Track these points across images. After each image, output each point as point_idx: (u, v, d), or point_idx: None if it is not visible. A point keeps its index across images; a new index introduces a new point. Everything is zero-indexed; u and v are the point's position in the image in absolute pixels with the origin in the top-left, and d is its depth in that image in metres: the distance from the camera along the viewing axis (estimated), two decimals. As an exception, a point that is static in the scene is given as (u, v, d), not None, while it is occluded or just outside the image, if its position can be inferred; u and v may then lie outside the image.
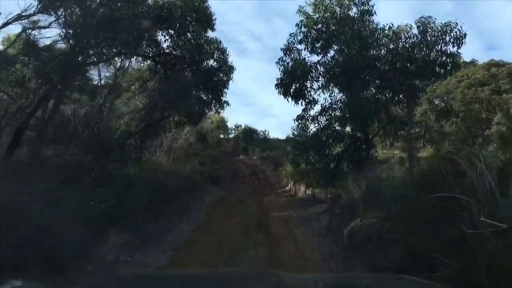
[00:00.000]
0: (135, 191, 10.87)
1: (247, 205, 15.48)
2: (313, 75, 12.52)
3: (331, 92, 12.70)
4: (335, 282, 2.50)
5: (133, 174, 12.46)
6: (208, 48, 14.35)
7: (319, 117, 12.71)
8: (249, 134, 38.87)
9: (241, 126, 41.77)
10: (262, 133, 40.33)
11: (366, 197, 8.23)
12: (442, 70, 10.26)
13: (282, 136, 40.09)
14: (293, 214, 13.33)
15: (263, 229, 11.11)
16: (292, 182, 21.59)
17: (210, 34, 14.60)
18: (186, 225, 11.71)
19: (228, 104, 15.28)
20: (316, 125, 12.76)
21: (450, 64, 10.11)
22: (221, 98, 14.96)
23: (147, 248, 8.78)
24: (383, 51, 11.20)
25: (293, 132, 21.14)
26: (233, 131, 44.54)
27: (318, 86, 12.73)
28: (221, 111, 16.42)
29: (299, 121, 12.83)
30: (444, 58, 10.13)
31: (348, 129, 12.74)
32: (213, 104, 15.10)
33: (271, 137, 40.48)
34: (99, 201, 7.64)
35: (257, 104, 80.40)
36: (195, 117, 15.16)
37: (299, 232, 10.47)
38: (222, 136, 43.91)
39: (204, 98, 14.98)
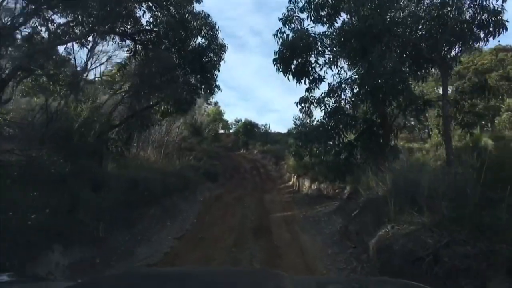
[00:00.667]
0: (105, 192, 8.73)
1: (246, 204, 13.28)
2: (318, 49, 10.25)
3: (339, 68, 10.46)
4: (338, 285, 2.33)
5: (109, 172, 10.34)
6: (194, 23, 12.10)
7: (325, 99, 10.44)
8: (249, 128, 36.57)
9: (241, 120, 39.45)
10: (262, 127, 38.03)
11: (397, 194, 5.99)
12: (481, 31, 7.97)
13: (283, 130, 37.86)
14: (298, 214, 11.13)
15: (262, 234, 8.93)
16: (295, 177, 19.38)
17: (196, 7, 12.33)
18: (170, 231, 9.53)
19: (219, 88, 13.05)
20: (323, 108, 10.47)
21: (492, 24, 7.82)
22: (212, 81, 12.72)
23: (110, 267, 6.59)
24: (403, 14, 8.89)
25: (295, 122, 18.96)
26: (233, 126, 42.31)
27: (325, 61, 10.47)
28: (212, 96, 14.01)
29: (302, 105, 10.56)
30: (484, 16, 7.83)
31: (361, 112, 10.51)
32: (202, 89, 12.83)
33: (272, 131, 38.21)
34: (31, 209, 5.42)
35: (258, 99, 77.96)
36: (183, 104, 12.93)
37: (307, 238, 8.27)
38: (222, 131, 41.89)
39: (193, 82, 12.74)
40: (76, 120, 8.78)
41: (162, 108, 13.53)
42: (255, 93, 78.44)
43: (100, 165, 10.63)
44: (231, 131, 42.26)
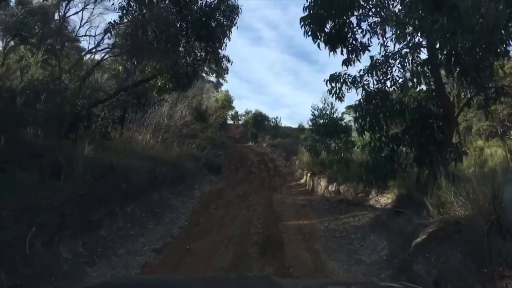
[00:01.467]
0: (62, 181, 6.20)
1: (251, 205, 10.63)
2: (365, 6, 7.48)
3: (385, 38, 7.69)
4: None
5: (83, 155, 7.80)
6: (201, -24, 9.44)
7: (364, 77, 7.70)
8: (259, 120, 33.85)
9: (251, 111, 36.55)
10: (273, 120, 35.21)
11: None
12: None
13: (294, 125, 35.17)
14: (318, 225, 8.44)
15: (272, 254, 6.29)
16: (308, 175, 16.66)
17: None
18: (149, 239, 6.95)
19: (228, 60, 10.35)
20: (360, 89, 7.72)
21: None
22: (219, 51, 10.04)
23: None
24: None
25: (312, 112, 16.10)
26: (243, 117, 39.52)
27: (369, 25, 7.70)
28: (223, 77, 11.02)
29: (333, 85, 7.78)
30: None
31: (411, 97, 7.74)
32: (208, 60, 10.14)
33: (283, 125, 35.39)
34: None
35: (270, 94, 75.03)
36: (182, 79, 10.29)
37: (338, 268, 5.57)
38: (231, 122, 39.37)
39: (196, 51, 10.07)
40: (21, 79, 6.13)
41: (159, 83, 10.90)
42: (268, 87, 75.73)
43: (74, 144, 8.18)
44: (240, 122, 39.69)
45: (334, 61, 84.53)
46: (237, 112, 40.67)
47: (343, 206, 9.87)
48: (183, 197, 10.72)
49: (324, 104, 15.37)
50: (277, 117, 35.43)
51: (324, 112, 15.37)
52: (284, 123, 36.43)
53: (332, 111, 15.33)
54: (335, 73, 7.88)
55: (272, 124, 34.73)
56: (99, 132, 9.79)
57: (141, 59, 9.52)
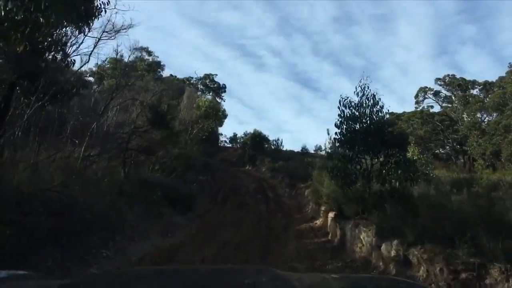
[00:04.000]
0: None
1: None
2: None
3: None
4: (333, 281, 1.94)
5: None
6: None
7: None
8: (258, 141, 26.46)
9: (250, 132, 29.03)
10: (274, 142, 27.76)
11: None
12: None
13: (296, 149, 27.87)
14: None
15: None
16: (331, 216, 9.09)
17: None
18: None
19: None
20: None
21: None
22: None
23: None
24: None
25: (341, 111, 8.31)
26: (242, 140, 32.04)
27: None
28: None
29: None
30: None
31: None
32: None
33: (285, 149, 27.98)
34: None
35: (272, 119, 67.97)
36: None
37: None
38: (231, 145, 32.33)
39: None
40: None
41: None
42: (270, 113, 68.73)
43: None
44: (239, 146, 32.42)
45: (337, 88, 78.01)
46: (236, 134, 33.42)
47: None
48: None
49: (362, 97, 8.00)
50: (278, 139, 27.96)
51: (361, 110, 7.95)
52: (286, 147, 28.98)
53: (375, 108, 7.96)
54: None
55: (272, 147, 27.41)
56: None
57: None
